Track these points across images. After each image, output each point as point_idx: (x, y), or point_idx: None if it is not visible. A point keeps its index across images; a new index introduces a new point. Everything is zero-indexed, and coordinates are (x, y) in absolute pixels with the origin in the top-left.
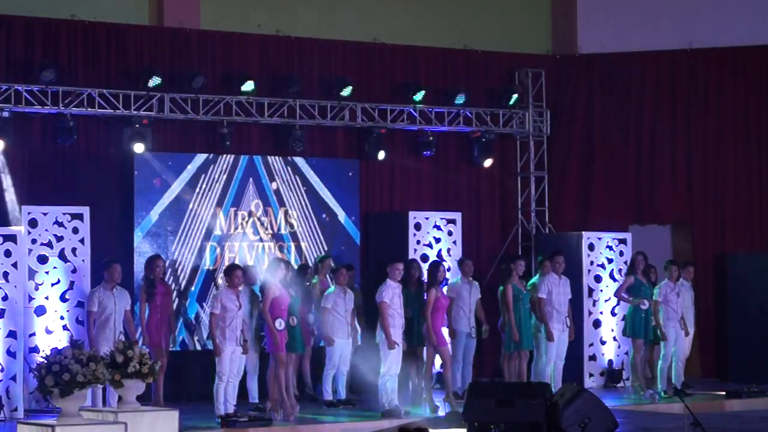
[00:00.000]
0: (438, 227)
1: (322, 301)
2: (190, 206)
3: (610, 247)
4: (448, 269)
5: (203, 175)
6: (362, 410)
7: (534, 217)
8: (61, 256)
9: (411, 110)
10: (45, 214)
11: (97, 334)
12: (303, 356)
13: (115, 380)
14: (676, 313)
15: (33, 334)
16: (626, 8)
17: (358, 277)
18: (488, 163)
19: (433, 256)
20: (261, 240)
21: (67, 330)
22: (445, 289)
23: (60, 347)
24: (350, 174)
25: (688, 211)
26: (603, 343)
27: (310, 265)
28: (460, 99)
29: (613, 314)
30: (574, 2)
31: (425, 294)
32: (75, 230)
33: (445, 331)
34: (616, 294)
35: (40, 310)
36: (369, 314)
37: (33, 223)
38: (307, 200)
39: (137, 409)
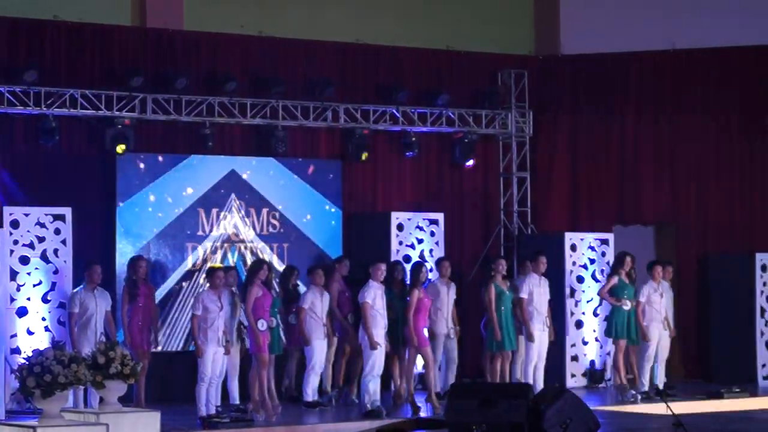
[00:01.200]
0: (420, 228)
1: (300, 301)
2: (173, 207)
3: (592, 248)
4: (431, 270)
5: (185, 176)
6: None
7: (516, 217)
8: (43, 257)
9: (394, 111)
10: (27, 215)
11: (78, 335)
12: (290, 357)
13: (97, 381)
14: (659, 314)
15: (14, 335)
16: (609, 9)
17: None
18: (471, 163)
19: (415, 257)
20: (243, 241)
21: (49, 331)
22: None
23: (41, 348)
24: (332, 175)
25: (671, 212)
26: (585, 343)
27: (296, 267)
28: (442, 100)
29: (596, 315)
30: (557, 3)
31: (408, 295)
32: (57, 231)
33: (425, 332)
34: (599, 293)
35: (22, 311)
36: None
37: (15, 224)
38: (289, 201)
39: (119, 410)
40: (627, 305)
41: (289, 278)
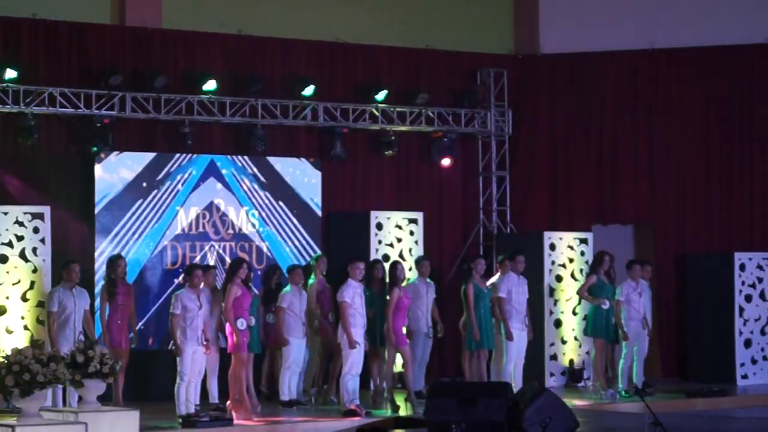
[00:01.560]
0: (400, 227)
1: (279, 300)
2: (152, 206)
3: (571, 247)
4: (410, 269)
5: (165, 175)
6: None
7: (495, 216)
8: (22, 255)
9: (373, 110)
10: (5, 214)
11: (57, 333)
12: (268, 355)
13: (76, 380)
14: (638, 313)
15: None
16: (588, 8)
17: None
18: (450, 162)
19: (394, 256)
20: (222, 239)
21: (28, 330)
22: None
23: (20, 347)
24: (312, 173)
25: (650, 211)
26: (564, 342)
27: (279, 266)
28: (422, 98)
29: (574, 314)
30: (536, 2)
31: (388, 294)
32: (36, 230)
33: (404, 331)
34: (578, 292)
35: (0, 310)
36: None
37: None
38: (268, 200)
39: (98, 409)
40: (606, 304)
41: (271, 277)
